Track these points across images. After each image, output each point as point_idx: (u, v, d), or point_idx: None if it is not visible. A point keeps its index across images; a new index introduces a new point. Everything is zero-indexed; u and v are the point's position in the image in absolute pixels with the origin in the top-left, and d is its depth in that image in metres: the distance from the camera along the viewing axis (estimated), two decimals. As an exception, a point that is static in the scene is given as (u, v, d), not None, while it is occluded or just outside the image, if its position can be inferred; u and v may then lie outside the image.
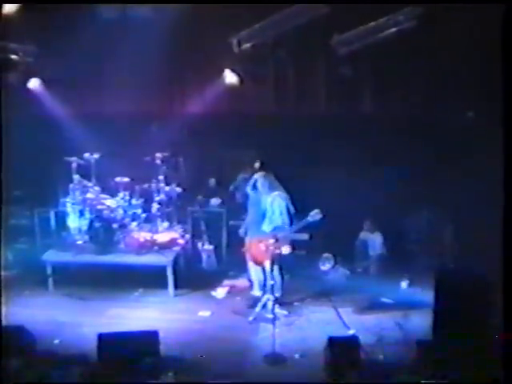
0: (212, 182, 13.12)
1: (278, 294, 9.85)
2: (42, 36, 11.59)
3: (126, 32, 11.18)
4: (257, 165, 12.07)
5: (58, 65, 11.91)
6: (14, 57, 11.65)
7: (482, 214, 10.32)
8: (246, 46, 11.54)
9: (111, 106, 12.71)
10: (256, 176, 10.13)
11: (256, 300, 10.03)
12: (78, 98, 12.77)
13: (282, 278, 10.04)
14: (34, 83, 12.56)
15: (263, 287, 10.11)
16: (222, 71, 12.41)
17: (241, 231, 10.66)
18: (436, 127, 11.95)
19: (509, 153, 6.63)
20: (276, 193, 9.81)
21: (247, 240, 10.45)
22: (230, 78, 12.41)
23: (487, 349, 7.61)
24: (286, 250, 9.56)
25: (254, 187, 10.18)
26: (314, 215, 9.26)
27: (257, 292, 10.30)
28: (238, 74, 12.33)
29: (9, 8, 10.16)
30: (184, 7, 10.80)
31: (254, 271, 10.24)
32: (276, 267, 9.75)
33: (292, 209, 9.74)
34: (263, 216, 9.96)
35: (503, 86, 6.60)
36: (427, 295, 9.18)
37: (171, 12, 10.93)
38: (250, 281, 10.98)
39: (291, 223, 9.70)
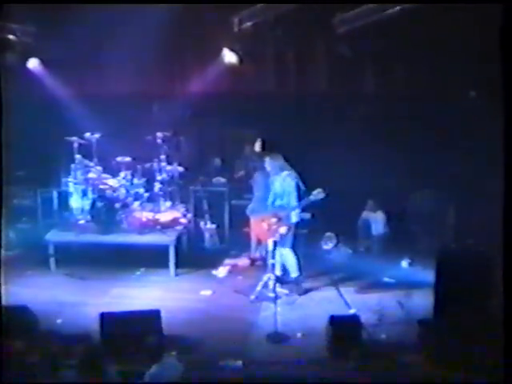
0: (217, 161, 13.08)
1: (294, 275, 9.95)
2: (40, 16, 11.51)
3: (126, 12, 11.10)
4: (258, 144, 12.06)
5: (57, 45, 11.84)
6: (12, 37, 11.63)
7: (484, 194, 10.31)
8: (246, 25, 11.49)
9: (111, 86, 12.65)
10: (265, 157, 10.08)
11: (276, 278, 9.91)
12: (78, 78, 12.71)
13: (298, 258, 9.99)
14: (33, 63, 12.49)
15: (283, 268, 10.13)
16: (222, 50, 12.35)
17: (248, 210, 10.68)
18: (438, 107, 11.90)
19: (509, 134, 6.59)
20: (286, 172, 9.77)
21: (251, 219, 10.48)
22: (229, 57, 12.34)
23: (488, 328, 7.61)
24: (283, 230, 9.58)
25: (262, 167, 10.20)
26: (317, 194, 9.28)
27: (278, 272, 10.10)
28: (238, 53, 12.27)
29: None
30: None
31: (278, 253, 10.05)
32: (289, 249, 9.82)
33: (302, 187, 9.70)
34: (267, 195, 9.98)
35: (504, 85, 6.55)
36: (429, 275, 9.19)
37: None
38: (250, 260, 11.05)
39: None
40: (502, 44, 6.33)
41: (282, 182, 9.76)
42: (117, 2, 10.62)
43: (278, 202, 9.81)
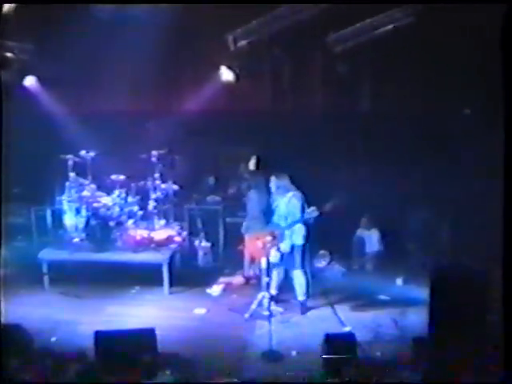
0: (211, 179, 13.11)
1: (301, 298, 9.92)
2: (38, 34, 11.58)
3: (122, 30, 11.16)
4: (252, 162, 12.06)
5: (54, 63, 11.91)
6: (9, 55, 11.64)
7: (478, 211, 10.36)
8: (242, 43, 11.56)
9: (107, 104, 12.73)
10: (270, 177, 10.02)
11: (273, 297, 9.91)
12: (74, 96, 12.80)
13: (308, 279, 9.94)
14: (30, 81, 12.55)
15: (278, 287, 10.11)
16: (219, 68, 12.43)
17: (243, 229, 10.75)
18: (433, 125, 11.99)
19: (509, 152, 6.63)
20: (291, 193, 9.73)
21: (246, 237, 10.51)
22: (226, 75, 12.42)
23: (483, 346, 7.62)
24: (284, 246, 9.59)
25: (257, 185, 10.24)
26: (311, 212, 9.33)
27: (273, 290, 10.05)
28: (235, 71, 12.35)
29: (5, 6, 10.13)
30: (180, 4, 10.80)
31: (276, 274, 10.03)
32: (299, 270, 9.79)
33: (308, 209, 9.55)
34: (263, 214, 9.99)
35: (504, 85, 6.60)
36: (423, 292, 9.19)
37: (167, 10, 10.91)
38: (245, 278, 11.05)
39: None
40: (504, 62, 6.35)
41: (287, 202, 9.69)
42: (116, 3, 10.63)
43: (280, 222, 9.74)
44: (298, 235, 9.66)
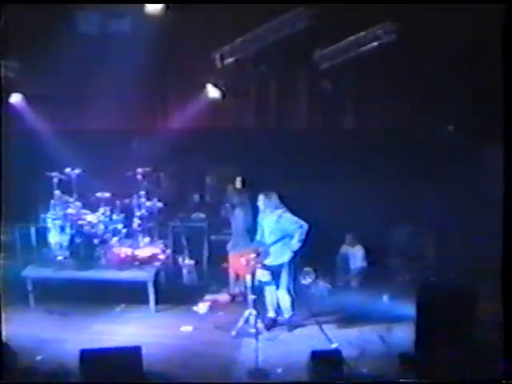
0: (196, 197, 13.12)
1: (287, 315, 9.93)
2: (24, 51, 11.58)
3: (108, 47, 11.19)
4: (238, 180, 12.08)
5: (39, 80, 11.92)
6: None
7: (463, 228, 10.42)
8: (229, 60, 11.63)
9: (93, 121, 12.69)
10: (259, 196, 9.95)
11: (272, 321, 9.99)
12: (60, 113, 12.74)
13: (292, 298, 9.93)
14: (15, 98, 12.54)
15: (277, 308, 10.07)
16: (205, 86, 12.48)
17: (228, 247, 10.88)
18: (417, 142, 12.08)
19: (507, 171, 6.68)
20: (281, 210, 9.72)
21: (230, 254, 10.53)
22: (212, 92, 12.48)
23: (470, 361, 7.66)
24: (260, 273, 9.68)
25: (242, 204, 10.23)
26: (301, 227, 9.39)
27: (271, 313, 10.11)
28: (221, 89, 12.40)
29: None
30: (166, 22, 10.85)
31: (269, 292, 10.04)
32: (284, 290, 9.78)
33: (301, 222, 9.61)
34: (248, 231, 10.01)
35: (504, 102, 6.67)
36: (409, 308, 9.23)
37: (153, 27, 10.96)
38: (230, 295, 11.04)
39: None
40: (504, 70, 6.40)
41: (276, 219, 9.68)
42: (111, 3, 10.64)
43: (270, 239, 9.72)
44: (285, 252, 9.66)
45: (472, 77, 11.06)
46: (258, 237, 9.94)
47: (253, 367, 8.49)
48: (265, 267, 9.65)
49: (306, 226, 9.52)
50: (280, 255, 9.67)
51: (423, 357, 8.11)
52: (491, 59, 7.72)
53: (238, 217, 11.11)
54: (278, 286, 9.81)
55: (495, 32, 7.30)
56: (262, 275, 9.73)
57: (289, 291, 9.86)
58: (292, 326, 9.93)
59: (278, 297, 9.92)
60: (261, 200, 9.89)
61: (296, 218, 9.63)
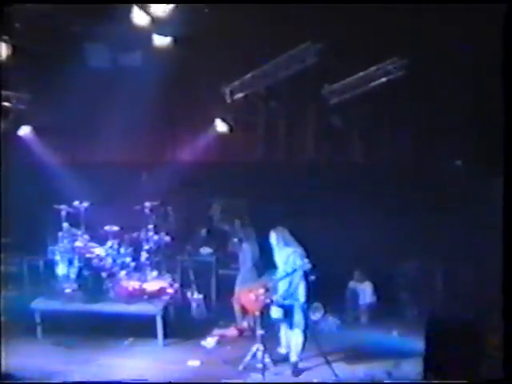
0: (204, 231, 13.14)
1: (294, 359, 9.61)
2: (34, 84, 11.71)
3: (118, 81, 11.30)
4: (237, 222, 12.11)
5: (49, 112, 12.04)
6: (6, 104, 11.74)
7: (471, 261, 10.39)
8: (239, 95, 11.72)
9: (102, 155, 12.82)
10: (271, 232, 9.86)
11: (283, 357, 9.84)
12: (68, 146, 12.88)
13: (306, 338, 9.62)
14: (24, 131, 12.65)
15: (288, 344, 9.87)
16: (214, 121, 12.58)
17: (237, 282, 10.86)
18: (425, 176, 12.12)
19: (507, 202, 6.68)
20: (291, 250, 9.57)
21: (237, 290, 10.50)
22: (220, 127, 12.57)
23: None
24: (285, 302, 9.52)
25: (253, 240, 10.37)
26: (304, 265, 9.28)
27: (283, 349, 9.97)
28: (229, 124, 12.49)
29: (2, 55, 10.25)
30: (176, 57, 10.95)
31: (283, 328, 9.87)
32: (299, 330, 9.54)
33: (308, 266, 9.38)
34: (256, 267, 9.97)
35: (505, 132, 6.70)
36: (418, 344, 9.17)
37: (163, 61, 11.06)
38: (238, 330, 10.98)
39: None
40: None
41: (285, 259, 9.53)
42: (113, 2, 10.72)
43: (280, 275, 9.56)
44: (300, 292, 9.48)
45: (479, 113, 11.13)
46: (268, 271, 9.87)
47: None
48: (279, 305, 9.54)
49: (308, 266, 9.30)
50: (294, 295, 9.50)
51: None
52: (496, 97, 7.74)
53: (246, 252, 11.12)
54: (292, 325, 9.60)
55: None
56: (275, 312, 9.61)
57: (304, 332, 9.59)
58: (298, 371, 9.63)
59: (291, 335, 9.72)
60: (272, 236, 9.81)
61: (303, 260, 9.41)
